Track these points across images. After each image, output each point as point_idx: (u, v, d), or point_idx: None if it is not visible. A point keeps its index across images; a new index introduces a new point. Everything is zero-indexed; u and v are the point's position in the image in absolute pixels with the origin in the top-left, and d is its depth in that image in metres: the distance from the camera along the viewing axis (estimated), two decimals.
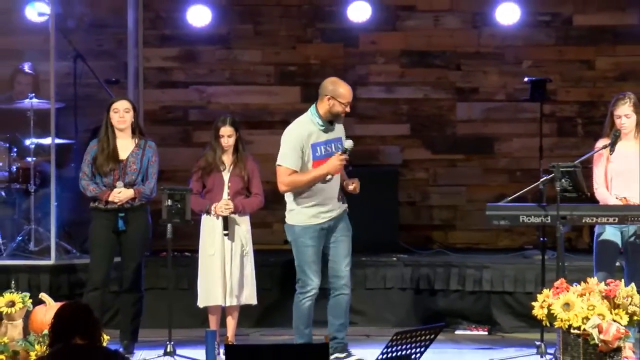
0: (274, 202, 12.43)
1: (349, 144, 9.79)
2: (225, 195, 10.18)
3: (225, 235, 10.14)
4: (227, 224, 10.13)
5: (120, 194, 10.08)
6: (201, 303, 10.29)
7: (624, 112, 9.97)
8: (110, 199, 10.08)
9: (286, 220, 9.89)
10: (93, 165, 10.15)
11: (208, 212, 10.19)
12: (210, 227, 10.25)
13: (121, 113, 10.13)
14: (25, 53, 12.62)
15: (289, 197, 9.88)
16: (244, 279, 10.26)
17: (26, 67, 12.52)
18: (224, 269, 10.19)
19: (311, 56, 13.27)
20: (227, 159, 10.28)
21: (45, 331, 9.11)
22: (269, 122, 13.20)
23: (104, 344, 9.15)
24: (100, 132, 10.25)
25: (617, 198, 10.01)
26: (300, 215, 9.79)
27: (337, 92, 9.84)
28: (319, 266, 9.77)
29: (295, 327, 9.87)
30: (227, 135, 10.22)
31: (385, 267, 11.96)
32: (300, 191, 9.76)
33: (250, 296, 10.35)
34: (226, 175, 10.24)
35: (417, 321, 11.41)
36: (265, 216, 12.22)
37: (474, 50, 13.25)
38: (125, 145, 10.21)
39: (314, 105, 9.94)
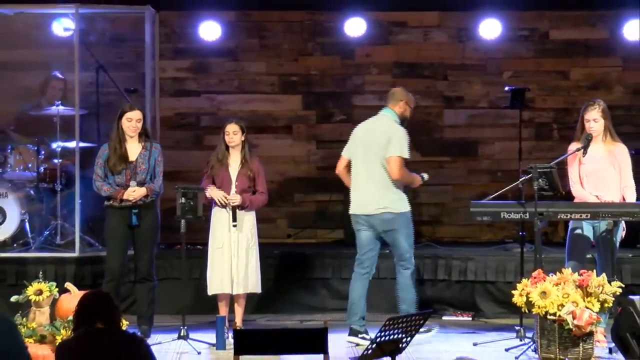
0: (278, 199, 12.50)
1: (426, 177, 10.64)
2: (233, 191, 10.17)
3: (234, 226, 10.13)
4: (236, 216, 10.13)
5: (135, 193, 10.08)
6: (211, 291, 10.28)
7: (592, 116, 9.98)
8: (125, 197, 10.09)
9: (396, 208, 10.30)
10: (105, 167, 10.17)
11: (215, 203, 10.16)
12: (218, 222, 10.23)
13: (134, 123, 10.13)
14: (52, 64, 12.60)
15: (396, 186, 10.36)
16: (250, 269, 10.24)
17: (58, 74, 12.51)
18: (231, 260, 10.19)
19: (311, 67, 13.26)
20: (235, 158, 10.27)
21: (70, 317, 9.14)
22: (273, 127, 13.20)
23: (124, 329, 9.18)
24: (111, 136, 10.25)
25: (590, 195, 10.01)
26: (407, 202, 10.35)
27: (409, 98, 10.45)
28: None
29: (410, 298, 10.23)
30: (232, 132, 10.23)
31: (379, 259, 11.93)
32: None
33: (255, 285, 10.33)
34: (234, 175, 10.24)
35: None
36: (270, 212, 12.21)
37: (460, 62, 13.25)
38: (134, 148, 10.21)
39: (389, 109, 10.39)
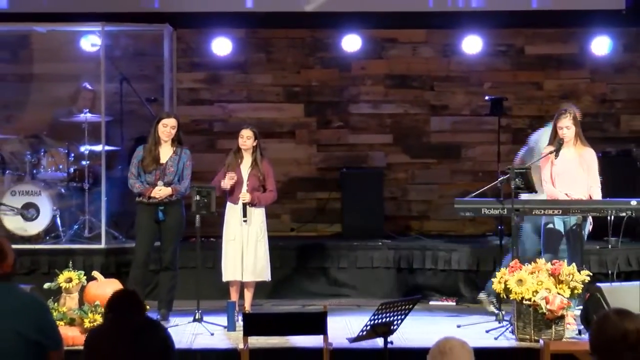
0: (282, 197, 12.47)
1: None
2: (244, 190, 10.17)
3: (244, 221, 10.13)
4: (246, 212, 10.12)
5: (160, 192, 10.09)
6: (224, 279, 10.27)
7: (565, 124, 9.99)
8: (152, 195, 10.10)
9: None
10: (139, 166, 10.18)
11: (228, 194, 10.16)
12: (231, 218, 10.23)
13: (169, 129, 10.14)
14: (81, 77, 12.59)
15: None
16: (259, 259, 10.24)
17: (88, 85, 12.52)
18: (242, 251, 10.18)
19: (312, 79, 13.25)
20: (247, 160, 10.28)
21: (97, 302, 9.14)
22: (278, 132, 13.20)
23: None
24: (148, 138, 10.27)
25: (561, 194, 10.01)
26: None
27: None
28: None
29: None
30: (245, 136, 10.24)
31: (373, 250, 11.93)
32: None
33: (264, 273, 10.33)
34: (245, 175, 10.23)
35: (399, 294, 11.38)
36: (276, 209, 12.20)
37: (445, 74, 13.23)
38: (166, 152, 10.22)
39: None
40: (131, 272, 10.28)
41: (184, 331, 9.72)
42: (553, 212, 9.93)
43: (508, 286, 9.06)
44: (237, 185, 10.19)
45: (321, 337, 8.23)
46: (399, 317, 7.83)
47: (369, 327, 7.78)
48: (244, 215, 10.12)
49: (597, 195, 10.02)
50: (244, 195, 10.13)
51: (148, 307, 9.23)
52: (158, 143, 10.17)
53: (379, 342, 7.81)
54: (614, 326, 4.89)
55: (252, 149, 10.26)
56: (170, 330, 9.62)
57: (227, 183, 10.10)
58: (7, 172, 12.06)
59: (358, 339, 7.94)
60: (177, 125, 10.22)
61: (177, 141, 10.26)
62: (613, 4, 12.82)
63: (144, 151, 10.20)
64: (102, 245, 11.63)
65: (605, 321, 4.93)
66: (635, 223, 11.54)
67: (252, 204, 10.18)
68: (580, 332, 9.30)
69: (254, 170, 10.23)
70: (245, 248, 10.17)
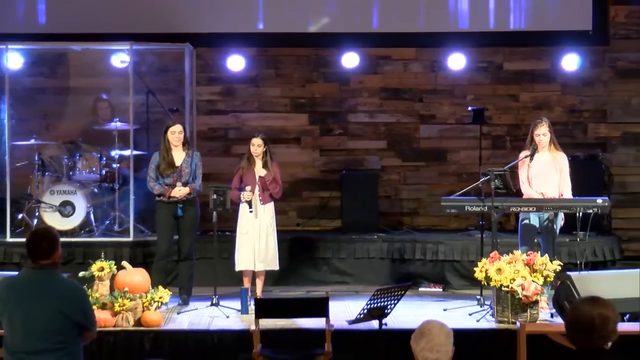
0: (289, 196, 12.47)
1: None
2: (248, 187, 10.14)
3: (250, 212, 10.11)
4: (251, 204, 10.10)
5: (180, 191, 10.09)
6: (237, 268, 10.25)
7: (541, 132, 10.01)
8: (172, 194, 10.09)
9: None
10: (157, 171, 10.17)
11: (241, 200, 10.16)
12: (244, 214, 10.22)
13: (177, 134, 10.17)
14: (111, 90, 12.58)
15: None
16: (270, 250, 10.22)
17: (104, 95, 12.50)
18: (254, 243, 10.16)
19: (316, 92, 13.22)
20: (259, 163, 10.27)
21: (126, 288, 9.13)
22: (285, 139, 13.16)
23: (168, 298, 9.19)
24: (160, 146, 10.28)
25: (535, 193, 10.02)
26: None
27: None
28: None
29: None
30: (256, 144, 10.24)
31: (369, 243, 11.91)
32: None
33: (274, 263, 10.31)
34: (257, 176, 10.22)
35: (392, 281, 11.35)
36: (283, 206, 12.16)
37: (432, 87, 13.20)
38: (179, 156, 10.22)
39: None
40: (155, 263, 10.29)
41: (203, 314, 9.70)
42: (529, 209, 9.92)
43: (489, 274, 9.04)
44: (251, 184, 10.19)
45: (323, 319, 8.23)
46: (392, 301, 7.82)
47: (365, 311, 7.77)
48: (250, 206, 10.11)
49: (568, 194, 10.03)
50: (248, 195, 10.10)
51: (170, 292, 9.30)
52: (170, 149, 10.19)
53: (374, 324, 7.81)
54: (584, 312, 5.05)
55: (262, 154, 10.26)
56: (188, 313, 9.70)
57: (245, 196, 10.08)
58: (47, 173, 12.06)
59: (356, 321, 7.93)
60: (183, 130, 10.23)
61: (187, 144, 10.29)
62: (581, 26, 12.83)
63: (159, 158, 10.20)
64: (130, 238, 11.62)
65: (577, 308, 5.11)
66: (600, 219, 11.54)
67: (262, 188, 10.15)
68: (552, 315, 9.29)
69: (264, 172, 10.23)
70: (256, 241, 10.15)
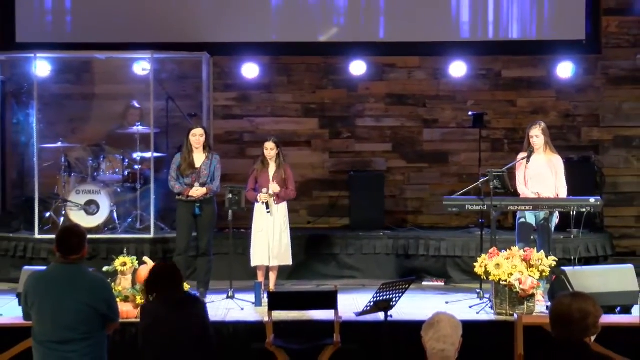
0: (300, 195, 12.46)
1: None
2: (265, 189, 10.15)
3: (268, 212, 10.11)
4: (268, 206, 10.10)
5: (197, 191, 10.09)
6: (252, 263, 10.26)
7: (535, 134, 10.01)
8: (190, 194, 10.10)
9: None
10: (178, 171, 10.18)
11: (257, 201, 10.19)
12: (259, 213, 10.22)
13: (197, 137, 10.18)
14: (134, 96, 12.60)
15: None
16: (283, 247, 10.22)
17: (135, 104, 12.51)
18: (269, 240, 10.16)
19: (325, 98, 13.23)
20: (272, 165, 10.28)
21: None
22: (297, 142, 13.17)
23: (186, 289, 9.18)
24: (183, 148, 10.29)
25: (533, 193, 10.01)
26: None
27: None
28: None
29: None
30: (269, 148, 10.25)
31: (376, 239, 11.91)
32: None
33: (287, 258, 10.32)
34: (271, 176, 10.23)
35: (397, 276, 11.36)
36: (295, 205, 12.15)
37: (435, 94, 13.19)
38: (199, 157, 10.22)
39: None
40: (174, 258, 10.28)
41: (219, 306, 9.70)
42: (525, 208, 9.91)
43: (488, 269, 9.03)
44: (265, 184, 10.21)
45: (332, 311, 8.22)
46: (397, 295, 7.81)
47: (372, 303, 7.76)
48: (267, 207, 10.12)
49: (563, 194, 10.02)
50: (265, 197, 10.11)
51: (189, 286, 9.30)
52: (191, 151, 10.20)
53: (380, 315, 7.79)
54: (563, 305, 5.08)
55: (275, 157, 10.27)
56: (207, 305, 9.69)
57: (262, 198, 10.08)
58: (73, 174, 12.08)
59: (363, 313, 7.93)
60: (204, 134, 10.24)
61: (207, 147, 10.29)
62: (575, 35, 12.83)
63: (181, 159, 10.22)
64: (151, 235, 11.63)
65: (559, 301, 5.14)
66: (593, 217, 11.53)
67: (278, 195, 10.17)
68: (547, 308, 9.25)
69: (277, 173, 10.24)
70: (271, 238, 10.16)
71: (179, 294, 6.54)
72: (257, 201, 10.18)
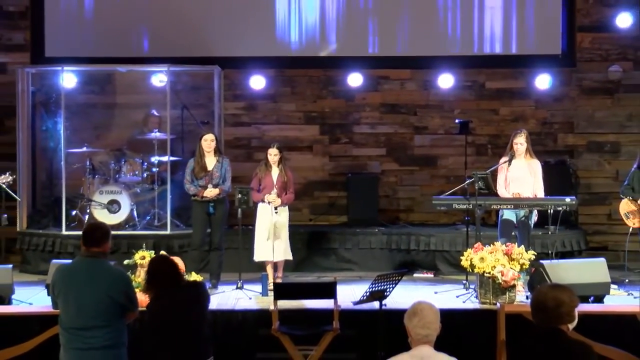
0: (303, 195, 12.48)
1: None
2: (274, 191, 10.14)
3: (276, 213, 10.10)
4: (276, 207, 10.11)
5: (211, 192, 10.11)
6: (255, 258, 10.26)
7: (519, 141, 10.04)
8: (204, 194, 10.10)
9: None
10: (192, 174, 10.18)
11: (263, 201, 10.17)
12: (262, 213, 10.21)
13: (208, 142, 10.19)
14: (152, 105, 12.59)
15: None
16: (283, 244, 10.21)
17: (155, 112, 12.50)
18: (271, 238, 10.15)
19: (325, 107, 13.22)
20: (275, 169, 10.27)
21: None
22: (300, 147, 13.16)
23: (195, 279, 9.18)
24: (196, 152, 10.29)
25: (512, 194, 10.01)
26: None
27: None
28: None
29: None
30: (273, 154, 10.23)
31: (371, 235, 11.91)
32: None
33: (287, 254, 10.31)
34: (274, 179, 10.22)
35: (390, 268, 11.35)
36: (298, 204, 12.17)
37: (425, 103, 13.18)
38: (211, 161, 10.23)
39: None
40: (189, 252, 10.32)
41: (229, 296, 9.70)
42: (507, 206, 9.91)
43: (473, 262, 9.03)
44: (268, 187, 10.20)
45: (332, 300, 8.22)
46: (391, 285, 7.81)
47: (368, 293, 7.76)
48: (276, 209, 10.12)
49: (541, 194, 10.03)
50: (275, 201, 10.09)
51: (202, 277, 9.29)
52: (203, 155, 10.21)
53: (375, 304, 7.78)
54: (540, 294, 5.08)
55: (278, 161, 10.26)
56: (217, 295, 9.69)
57: (270, 199, 10.07)
58: (97, 176, 12.07)
59: (360, 302, 7.92)
60: (215, 139, 10.24)
61: (218, 152, 10.28)
62: (552, 50, 12.83)
63: (194, 162, 10.22)
64: (168, 232, 11.62)
65: (537, 291, 5.15)
66: (568, 215, 11.53)
67: (281, 203, 10.18)
68: (527, 297, 9.25)
69: (280, 176, 10.24)
70: (272, 236, 10.15)
71: (180, 284, 6.45)
72: (263, 201, 10.17)
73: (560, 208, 9.87)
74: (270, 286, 9.50)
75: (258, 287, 9.86)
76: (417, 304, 5.24)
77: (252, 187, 10.21)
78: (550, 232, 11.22)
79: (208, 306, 6.49)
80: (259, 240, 10.20)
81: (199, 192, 10.15)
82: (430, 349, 5.15)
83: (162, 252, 9.40)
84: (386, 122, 13.20)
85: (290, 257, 10.33)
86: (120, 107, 12.99)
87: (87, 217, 11.78)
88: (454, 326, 8.43)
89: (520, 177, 10.05)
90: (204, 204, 10.18)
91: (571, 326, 5.01)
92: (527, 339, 5.02)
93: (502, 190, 10.08)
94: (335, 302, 8.20)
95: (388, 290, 7.79)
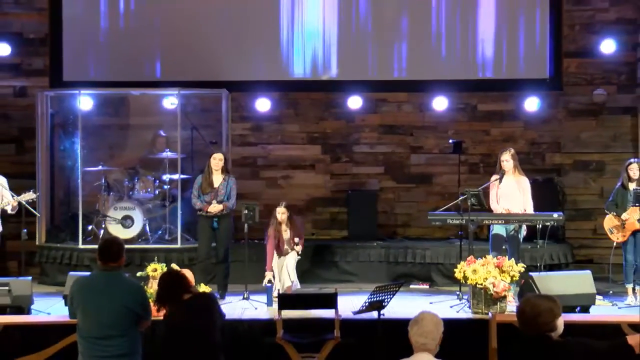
0: (306, 211, 12.49)
1: None
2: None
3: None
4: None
5: (215, 208, 10.14)
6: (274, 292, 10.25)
7: (505, 158, 10.07)
8: (209, 209, 10.12)
9: None
10: (199, 190, 10.21)
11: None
12: (275, 261, 10.25)
13: (217, 160, 10.22)
14: (163, 126, 12.62)
15: None
16: (291, 276, 10.17)
17: (162, 132, 12.53)
18: (283, 277, 10.15)
19: (327, 128, 13.25)
20: (286, 230, 10.26)
21: None
22: (303, 165, 13.18)
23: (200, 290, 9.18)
24: (205, 169, 10.32)
25: (503, 209, 10.02)
26: None
27: None
28: None
29: None
30: (281, 212, 10.19)
31: (370, 248, 11.92)
32: None
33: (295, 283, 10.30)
34: (286, 236, 10.27)
35: (388, 280, 11.35)
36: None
37: (421, 124, 13.22)
38: (218, 179, 10.26)
39: None
40: (197, 265, 10.32)
41: (236, 306, 9.71)
42: (498, 221, 9.92)
43: (466, 275, 9.04)
44: (280, 243, 10.22)
45: (333, 310, 8.23)
46: (389, 296, 7.82)
47: (367, 304, 7.77)
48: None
49: (530, 210, 10.04)
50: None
51: (210, 289, 9.29)
52: (211, 172, 10.24)
53: (374, 314, 7.79)
54: (523, 304, 5.06)
55: (287, 220, 10.23)
56: (224, 305, 9.71)
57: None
58: (111, 193, 12.10)
59: (359, 312, 7.93)
60: (223, 158, 10.27)
61: (225, 171, 10.31)
62: (540, 75, 12.89)
63: (202, 179, 10.25)
64: (178, 245, 11.64)
65: (522, 301, 5.13)
66: (556, 230, 11.55)
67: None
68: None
69: (291, 236, 10.25)
70: (282, 270, 10.16)
71: (188, 295, 6.46)
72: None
73: (548, 223, 9.89)
74: (275, 296, 9.51)
75: (263, 298, 9.87)
76: (420, 313, 5.24)
77: (267, 249, 10.15)
78: (538, 246, 11.21)
79: (218, 314, 6.47)
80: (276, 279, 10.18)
81: (204, 207, 10.19)
82: (429, 357, 5.14)
83: (173, 265, 9.50)
84: (384, 142, 13.23)
85: (297, 286, 10.28)
86: (134, 128, 13.03)
87: (102, 231, 11.81)
88: (448, 335, 8.39)
89: (510, 193, 10.08)
90: (209, 218, 10.21)
91: (555, 334, 4.97)
92: (515, 345, 5.04)
93: (495, 205, 10.10)
94: (337, 312, 8.21)
95: (386, 300, 7.80)
